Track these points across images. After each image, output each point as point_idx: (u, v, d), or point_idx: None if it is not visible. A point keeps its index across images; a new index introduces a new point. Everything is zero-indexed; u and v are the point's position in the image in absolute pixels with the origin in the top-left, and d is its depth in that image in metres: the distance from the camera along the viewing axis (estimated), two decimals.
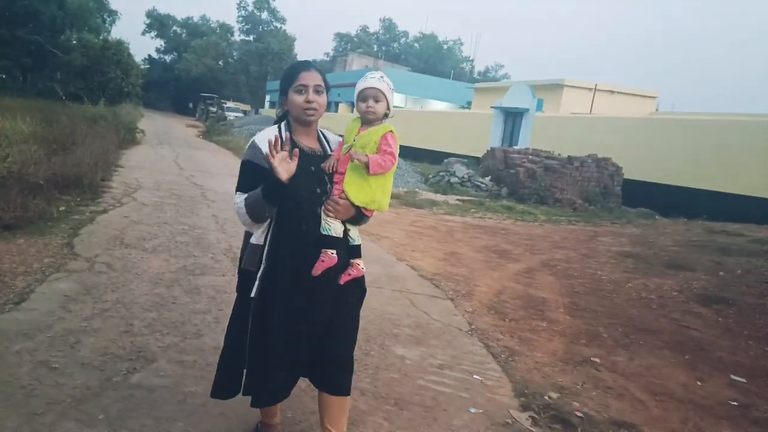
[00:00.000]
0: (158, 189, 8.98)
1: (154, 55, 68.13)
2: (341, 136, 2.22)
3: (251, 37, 62.14)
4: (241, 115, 43.38)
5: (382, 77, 2.09)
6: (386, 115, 2.11)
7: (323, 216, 2.05)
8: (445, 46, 69.58)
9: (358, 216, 2.10)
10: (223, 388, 2.27)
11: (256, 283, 2.07)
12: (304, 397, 2.89)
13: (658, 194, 14.26)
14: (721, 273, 6.42)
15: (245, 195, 2.01)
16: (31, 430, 2.35)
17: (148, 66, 63.18)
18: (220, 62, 60.41)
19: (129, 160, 12.25)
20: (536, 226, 10.09)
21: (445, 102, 37.62)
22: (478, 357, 3.80)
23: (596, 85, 22.80)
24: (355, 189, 2.03)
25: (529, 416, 3.02)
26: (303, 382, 3.04)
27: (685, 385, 3.65)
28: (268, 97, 57.55)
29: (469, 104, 31.28)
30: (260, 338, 2.08)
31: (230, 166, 14.69)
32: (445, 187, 14.51)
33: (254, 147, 2.07)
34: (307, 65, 2.12)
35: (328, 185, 2.09)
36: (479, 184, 14.74)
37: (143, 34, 65.70)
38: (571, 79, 22.46)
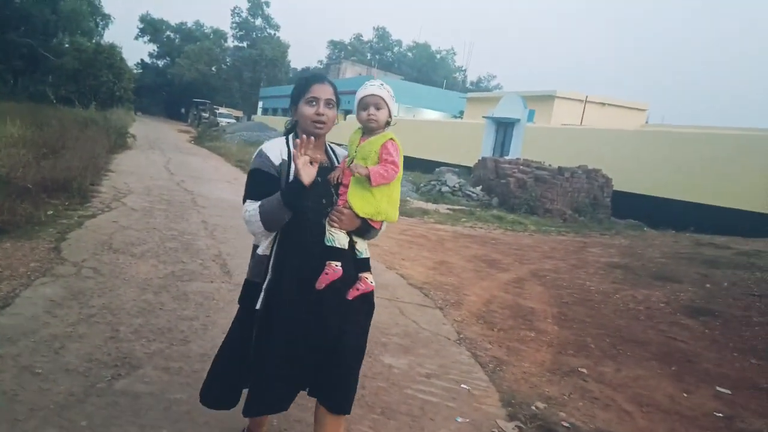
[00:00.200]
0: (148, 194, 8.93)
1: (147, 60, 68.03)
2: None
3: (245, 44, 62.27)
4: (233, 121, 43.32)
5: (382, 85, 2.06)
6: (388, 123, 2.08)
7: (327, 227, 2.02)
8: (438, 56, 70.00)
9: (364, 228, 2.06)
10: (216, 399, 2.24)
11: (262, 294, 2.05)
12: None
13: (647, 206, 14.38)
14: (708, 285, 6.47)
15: (258, 202, 1.98)
16: None
17: (141, 71, 62.95)
18: (213, 68, 60.40)
19: (119, 165, 12.19)
20: (526, 236, 10.14)
21: (437, 111, 37.79)
22: (465, 366, 3.81)
23: (587, 96, 23.00)
24: (358, 200, 1.99)
25: (516, 426, 3.03)
26: None
27: (671, 397, 3.67)
28: (260, 104, 57.53)
29: (461, 114, 31.44)
30: (263, 350, 2.06)
31: (221, 171, 14.66)
32: (436, 196, 14.54)
33: (262, 155, 2.05)
34: (320, 78, 2.11)
35: (335, 197, 2.06)
36: (470, 193, 14.79)
37: (136, 38, 65.63)
38: (563, 91, 22.65)
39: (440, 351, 4.01)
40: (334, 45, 73.02)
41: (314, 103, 2.03)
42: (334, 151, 2.24)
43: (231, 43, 64.24)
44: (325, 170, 2.08)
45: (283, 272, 2.02)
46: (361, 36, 73.53)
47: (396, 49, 72.95)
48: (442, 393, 3.32)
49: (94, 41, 37.37)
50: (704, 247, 9.15)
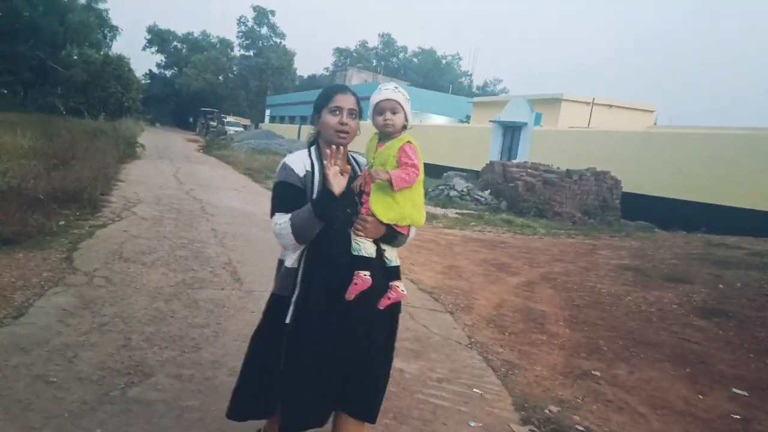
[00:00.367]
0: (158, 203, 8.99)
1: (155, 70, 68.69)
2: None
3: (251, 52, 62.74)
4: (240, 129, 43.58)
5: (396, 88, 2.02)
6: (405, 127, 2.04)
7: (353, 236, 1.98)
8: (444, 61, 70.13)
9: (390, 235, 2.03)
10: (244, 413, 2.20)
11: (291, 308, 2.01)
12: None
13: (657, 207, 14.30)
14: (721, 286, 6.41)
15: (287, 215, 1.96)
16: None
17: (149, 81, 63.59)
18: (220, 77, 60.87)
19: (129, 175, 12.28)
20: (535, 240, 10.10)
21: (444, 116, 37.81)
22: (477, 370, 3.79)
23: (594, 99, 22.95)
24: (381, 207, 1.95)
25: (530, 430, 3.01)
26: None
27: (685, 399, 3.63)
28: (267, 112, 57.87)
29: (468, 118, 31.46)
30: (293, 363, 2.02)
31: (230, 180, 14.74)
32: (445, 200, 14.54)
33: (287, 168, 2.04)
34: (343, 88, 2.09)
35: (359, 206, 2.03)
36: (478, 197, 14.77)
37: (144, 49, 66.31)
38: (569, 94, 22.62)
39: (451, 355, 4.00)
40: (340, 52, 73.32)
41: (337, 112, 2.02)
42: (356, 160, 2.21)
43: (237, 52, 64.84)
44: (348, 180, 2.04)
45: (312, 284, 1.99)
46: (367, 43, 73.86)
47: (401, 55, 73.17)
48: (454, 397, 3.30)
49: (102, 53, 37.84)
50: (716, 248, 9.07)
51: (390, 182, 1.89)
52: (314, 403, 2.04)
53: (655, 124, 25.29)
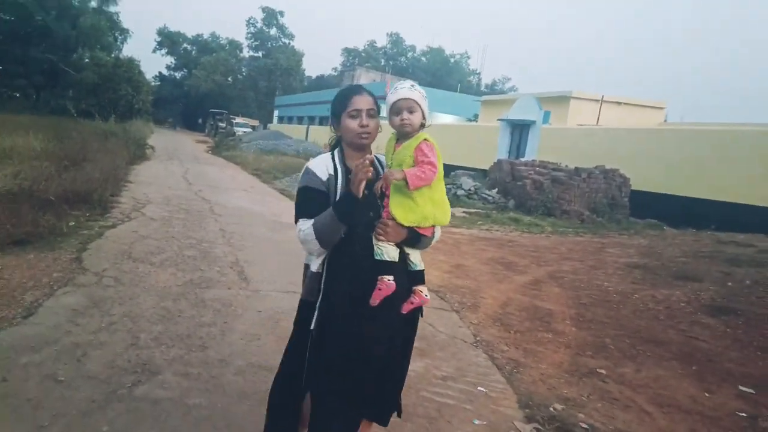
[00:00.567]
0: (167, 204, 9.06)
1: (165, 72, 69.12)
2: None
3: (260, 53, 62.98)
4: (249, 130, 43.74)
5: (413, 86, 1.99)
6: (422, 126, 2.00)
7: (374, 240, 1.96)
8: (452, 60, 70.00)
9: (413, 237, 1.99)
10: (280, 425, 2.21)
11: (315, 313, 2.01)
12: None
13: (667, 205, 14.19)
14: (730, 283, 6.36)
15: (311, 221, 1.95)
16: None
17: (159, 83, 64.03)
18: (230, 78, 61.15)
19: (138, 176, 12.38)
20: (543, 238, 10.07)
21: (452, 115, 37.72)
22: (482, 369, 3.80)
23: (603, 96, 22.79)
24: (401, 209, 1.92)
25: (534, 428, 3.01)
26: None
27: (692, 397, 3.62)
28: (276, 112, 58.06)
29: (476, 117, 31.38)
30: (317, 369, 2.01)
31: (238, 180, 14.82)
32: (452, 199, 14.51)
33: (309, 172, 2.03)
34: (359, 89, 2.06)
35: (381, 209, 2.00)
36: (486, 196, 14.74)
37: (154, 51, 66.75)
38: (578, 91, 22.48)
39: (457, 354, 4.01)
40: (348, 52, 73.40)
41: (357, 115, 2.00)
42: (379, 161, 2.17)
43: (246, 53, 65.12)
44: (371, 182, 2.00)
45: (335, 289, 1.99)
46: (375, 42, 73.89)
47: (410, 54, 73.11)
48: (459, 395, 3.31)
49: (113, 55, 38.17)
50: (726, 246, 9.00)
51: (405, 181, 1.86)
52: (339, 407, 2.01)
53: (665, 120, 25.09)
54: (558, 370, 3.89)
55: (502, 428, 2.98)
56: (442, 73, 64.43)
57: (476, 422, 3.01)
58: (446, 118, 37.22)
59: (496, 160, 16.97)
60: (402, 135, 2.01)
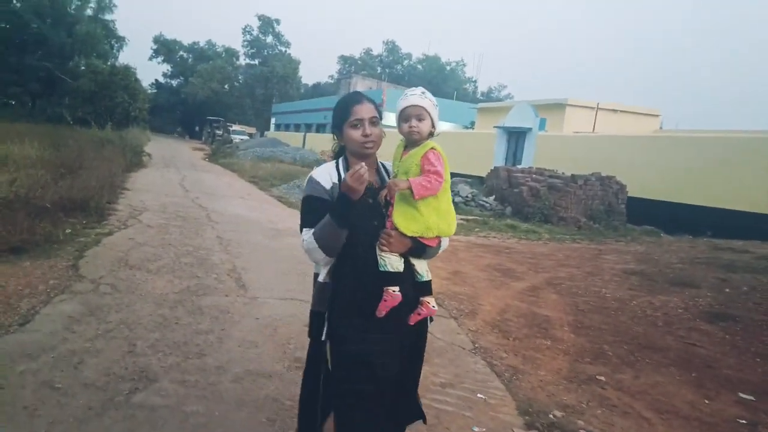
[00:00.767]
0: (163, 211, 9.04)
1: (161, 80, 69.14)
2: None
3: (256, 61, 63.02)
4: (246, 137, 43.78)
5: (423, 93, 1.95)
6: (431, 134, 1.96)
7: (378, 251, 1.90)
8: (448, 68, 70.29)
9: (418, 248, 1.94)
10: None
11: (325, 324, 1.97)
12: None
13: (663, 212, 14.24)
14: (727, 290, 6.37)
15: (312, 230, 1.92)
16: None
17: (155, 90, 64.05)
18: (226, 86, 61.18)
19: (135, 183, 12.36)
20: (540, 245, 10.08)
21: (448, 123, 37.81)
22: (481, 375, 3.78)
23: (599, 104, 22.93)
24: (404, 219, 1.87)
25: None
26: None
27: (691, 403, 3.61)
28: (273, 120, 58.13)
29: (472, 124, 31.48)
30: (339, 383, 1.94)
31: (235, 187, 14.81)
32: None
33: (313, 182, 2.00)
34: (358, 98, 2.02)
35: (386, 218, 1.95)
36: (483, 203, 14.77)
37: (150, 59, 66.74)
38: (574, 99, 22.60)
39: (455, 360, 3.99)
40: (344, 60, 73.64)
41: (359, 125, 1.96)
42: (386, 169, 2.13)
43: (243, 61, 65.11)
44: (376, 191, 1.99)
45: (342, 299, 1.95)
46: (371, 50, 74.17)
47: (406, 62, 73.38)
48: (458, 402, 3.30)
49: (109, 63, 38.23)
50: (722, 252, 9.02)
51: (410, 190, 1.82)
52: (362, 424, 1.93)
53: (660, 128, 25.23)
54: (557, 377, 3.88)
55: None
56: (438, 80, 64.64)
57: (475, 429, 3.00)
58: (443, 126, 37.22)
59: (492, 167, 17.02)
60: (410, 142, 1.96)
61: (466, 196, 15.10)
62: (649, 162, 15.27)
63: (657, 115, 25.05)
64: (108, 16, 43.70)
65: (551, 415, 3.23)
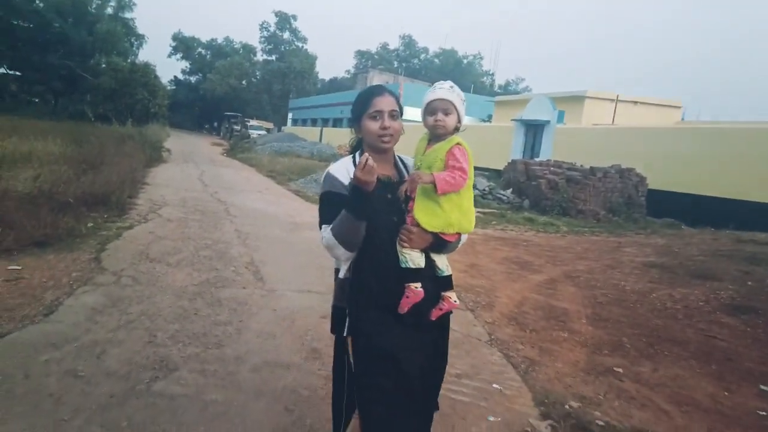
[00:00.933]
0: (183, 205, 9.16)
1: (180, 77, 69.78)
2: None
3: (273, 57, 63.29)
4: (264, 133, 44.03)
5: (452, 87, 1.91)
6: (457, 129, 1.92)
7: (398, 248, 1.88)
8: (465, 61, 69.80)
9: (438, 243, 1.90)
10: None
11: (347, 320, 1.94)
12: (322, 405, 2.92)
13: (684, 204, 14.02)
14: (750, 282, 6.26)
15: (331, 225, 1.88)
16: None
17: (174, 87, 64.70)
18: (244, 82, 61.54)
19: (155, 178, 12.53)
20: (558, 238, 10.00)
21: (466, 116, 37.61)
22: (497, 367, 3.78)
23: (618, 96, 22.60)
24: (426, 214, 1.84)
25: (549, 425, 3.00)
26: (323, 390, 3.09)
27: (711, 396, 3.57)
28: (290, 115, 58.38)
29: (489, 118, 31.27)
30: (362, 378, 1.91)
31: (253, 182, 14.93)
32: None
33: (330, 177, 1.96)
34: (380, 90, 1.98)
35: (405, 213, 1.92)
36: (501, 196, 14.68)
37: (169, 56, 67.34)
38: (593, 91, 22.31)
39: (471, 352, 4.00)
40: (361, 55, 73.53)
41: (378, 117, 1.92)
42: (404, 163, 2.10)
43: (260, 56, 65.41)
44: (395, 185, 1.96)
45: (363, 294, 1.91)
46: (388, 45, 73.90)
47: (422, 56, 73.03)
48: (474, 393, 3.31)
49: (129, 61, 38.66)
50: (745, 244, 8.86)
51: (434, 185, 1.79)
52: (405, 425, 1.91)
53: (682, 119, 24.80)
54: (574, 369, 3.86)
55: (517, 425, 2.97)
56: (455, 74, 64.20)
57: (491, 419, 3.01)
58: None
59: (510, 161, 16.90)
60: (434, 136, 1.93)
61: (483, 189, 15.02)
62: (670, 154, 15.03)
63: (678, 107, 24.62)
64: (128, 15, 44.32)
65: (567, 406, 3.22)
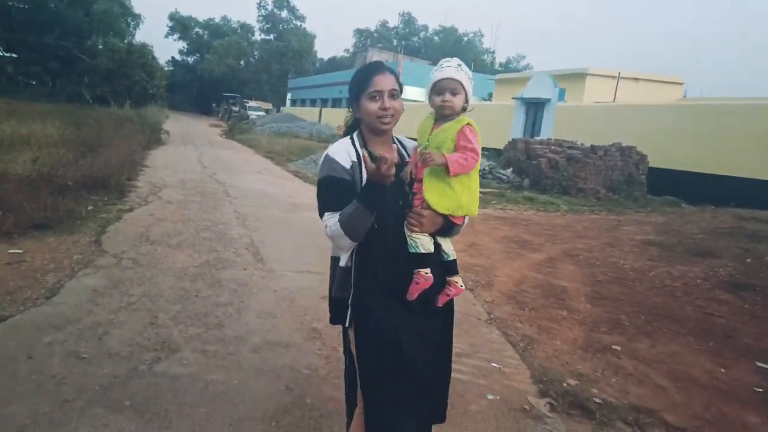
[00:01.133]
0: (182, 187, 9.16)
1: (177, 57, 69.14)
2: (416, 139, 1.97)
3: (271, 36, 62.60)
4: (263, 113, 43.78)
5: (460, 66, 1.83)
6: (464, 109, 1.86)
7: (407, 232, 1.80)
8: (465, 39, 69.03)
9: (446, 226, 1.83)
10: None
11: (349, 311, 1.85)
12: (323, 384, 2.95)
13: (685, 182, 13.98)
14: (749, 260, 6.28)
15: (337, 214, 1.76)
16: (63, 415, 2.46)
17: (172, 68, 64.14)
18: (242, 62, 60.97)
19: (154, 160, 12.50)
20: (558, 216, 10.01)
21: None
22: (496, 345, 3.82)
23: (620, 73, 22.39)
24: (436, 196, 1.78)
25: (547, 402, 3.04)
26: (323, 370, 3.12)
27: (708, 372, 3.61)
28: (289, 95, 57.99)
29: (490, 96, 31.04)
30: (370, 368, 1.84)
31: (252, 163, 14.90)
32: None
33: (331, 160, 1.84)
34: (380, 67, 1.88)
35: (410, 196, 1.85)
36: (501, 175, 14.65)
37: (166, 36, 66.59)
38: (594, 68, 22.09)
39: (470, 331, 4.03)
40: (360, 33, 72.70)
41: (378, 97, 1.83)
42: (402, 144, 2.01)
43: (258, 36, 64.67)
44: (396, 168, 1.78)
45: (366, 283, 1.83)
46: (387, 22, 73.02)
47: (422, 34, 72.22)
48: (473, 371, 3.34)
49: (126, 41, 38.31)
50: (746, 222, 8.86)
51: (446, 166, 1.72)
52: (410, 419, 1.85)
53: (684, 96, 24.60)
54: (572, 347, 3.89)
55: (516, 403, 3.01)
56: (455, 52, 63.17)
57: (489, 397, 3.04)
58: None
59: (510, 139, 16.81)
60: (441, 117, 1.86)
61: (483, 169, 14.95)
62: (672, 131, 14.94)
63: (680, 84, 24.40)
64: None
65: (565, 384, 3.26)
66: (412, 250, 1.79)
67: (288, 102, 57.35)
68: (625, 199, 12.97)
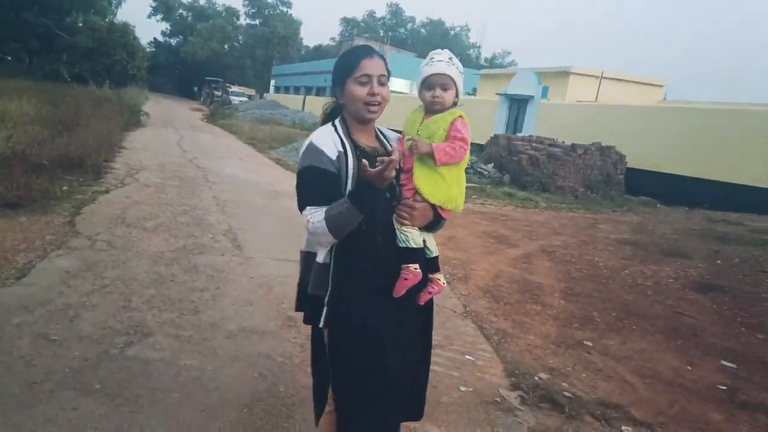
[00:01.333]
0: (161, 170, 9.03)
1: (160, 39, 67.94)
2: (399, 131, 1.92)
3: (257, 21, 61.86)
4: (245, 99, 43.33)
5: (451, 59, 1.77)
6: (455, 104, 1.81)
7: (397, 225, 1.74)
8: (452, 32, 69.14)
9: (434, 220, 1.79)
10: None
11: (324, 309, 1.74)
12: (296, 372, 2.96)
13: (662, 183, 14.24)
14: (719, 261, 6.44)
15: (321, 210, 1.64)
16: (31, 397, 2.42)
17: (154, 49, 63.03)
18: (226, 46, 60.18)
19: (133, 142, 12.30)
20: (536, 213, 10.12)
21: None
22: (470, 338, 3.86)
23: (603, 73, 22.62)
24: (428, 185, 1.73)
25: (518, 395, 3.08)
26: (297, 358, 3.12)
27: (675, 369, 3.70)
28: (273, 82, 57.44)
29: (474, 91, 31.13)
30: (355, 372, 1.77)
31: (233, 149, 14.75)
32: None
33: (314, 149, 1.70)
34: (369, 51, 1.78)
35: (397, 188, 1.77)
36: (482, 170, 14.73)
37: (149, 17, 65.32)
38: (578, 67, 22.27)
39: (445, 323, 4.06)
40: (347, 22, 72.30)
41: (367, 82, 1.72)
42: (384, 135, 1.93)
43: (243, 20, 63.85)
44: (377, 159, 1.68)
45: (346, 281, 1.73)
46: (374, 13, 72.85)
47: (409, 25, 72.13)
48: (447, 363, 3.37)
49: (107, 20, 37.48)
50: (717, 224, 9.07)
51: (431, 155, 1.69)
52: (372, 417, 1.80)
53: (664, 98, 24.98)
54: (545, 341, 3.95)
55: (487, 395, 3.05)
56: (441, 45, 62.89)
57: (462, 389, 3.08)
58: None
59: (492, 135, 16.91)
60: (430, 111, 1.81)
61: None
62: (651, 133, 15.18)
63: (661, 86, 24.75)
64: None
65: (536, 377, 3.31)
66: (402, 245, 1.74)
67: (272, 88, 56.79)
68: (603, 198, 13.15)
